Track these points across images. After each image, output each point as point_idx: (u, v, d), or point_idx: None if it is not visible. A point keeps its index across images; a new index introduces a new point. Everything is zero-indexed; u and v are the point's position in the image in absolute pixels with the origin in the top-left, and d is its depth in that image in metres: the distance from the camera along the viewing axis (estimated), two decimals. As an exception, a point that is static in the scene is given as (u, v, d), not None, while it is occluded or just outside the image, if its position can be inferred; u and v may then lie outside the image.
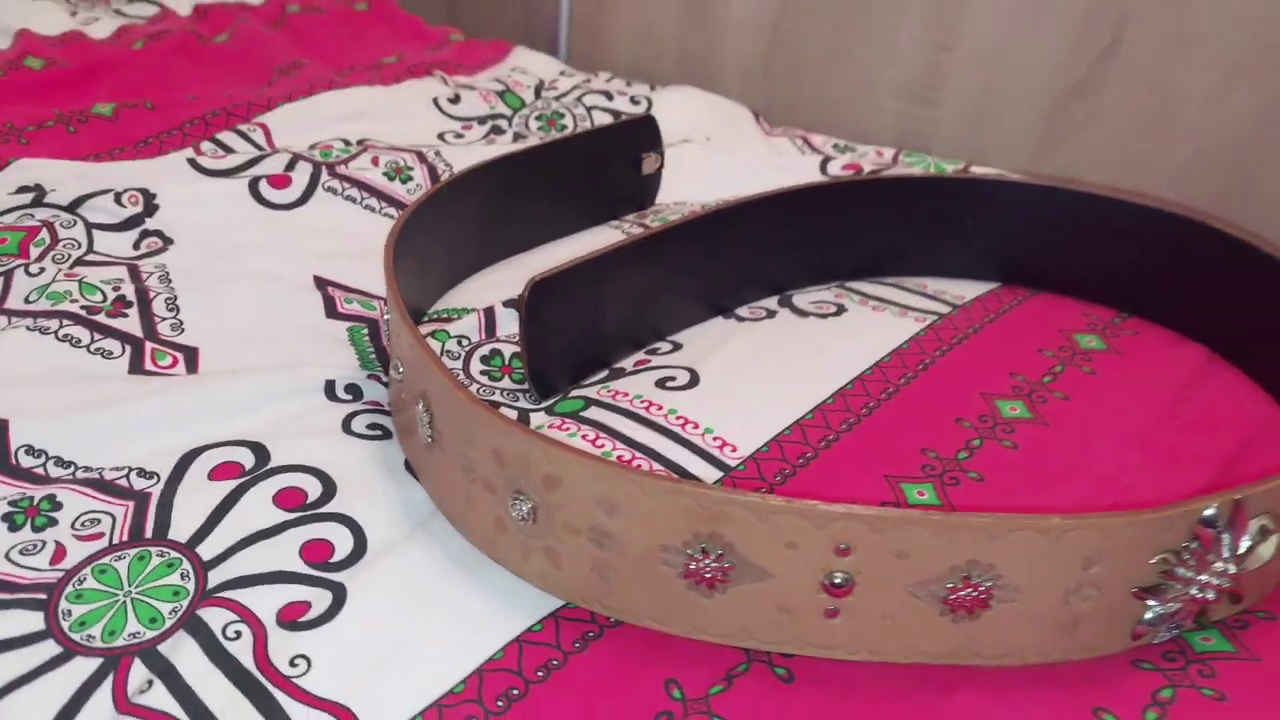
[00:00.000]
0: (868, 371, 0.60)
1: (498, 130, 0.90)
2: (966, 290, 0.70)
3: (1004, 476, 0.53)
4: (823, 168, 0.86)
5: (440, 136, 0.88)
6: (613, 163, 0.76)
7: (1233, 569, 0.43)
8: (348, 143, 0.81)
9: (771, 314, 0.67)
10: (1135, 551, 0.41)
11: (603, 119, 0.94)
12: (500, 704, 0.39)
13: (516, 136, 0.90)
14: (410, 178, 0.77)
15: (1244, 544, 0.43)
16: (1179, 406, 0.59)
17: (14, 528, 0.45)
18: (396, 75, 0.97)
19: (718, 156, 0.86)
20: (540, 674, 0.41)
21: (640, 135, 0.77)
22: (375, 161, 0.77)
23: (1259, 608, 0.46)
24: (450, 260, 0.67)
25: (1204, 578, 0.42)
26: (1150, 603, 0.42)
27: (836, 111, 1.05)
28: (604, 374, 0.60)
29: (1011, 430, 0.56)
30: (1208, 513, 0.41)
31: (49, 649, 0.40)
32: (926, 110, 1.00)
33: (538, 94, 0.96)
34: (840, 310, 0.67)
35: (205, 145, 0.79)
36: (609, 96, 0.96)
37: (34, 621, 0.41)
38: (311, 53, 1.01)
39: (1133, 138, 0.91)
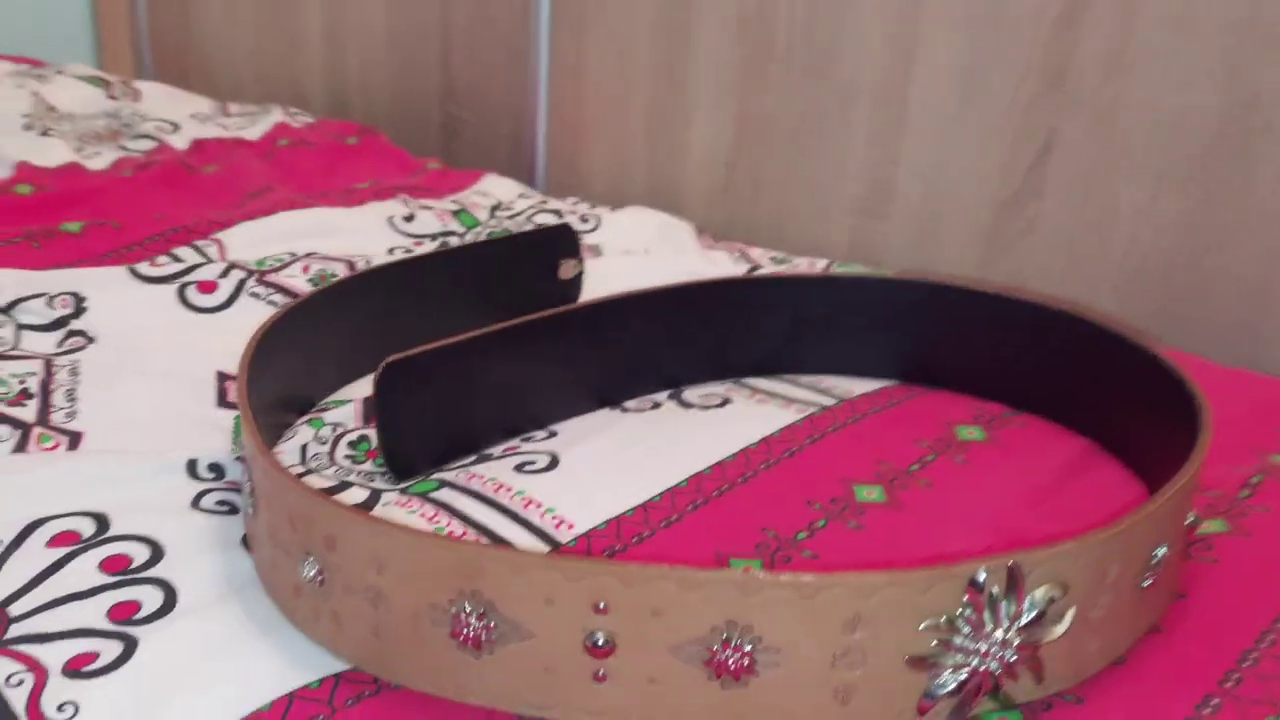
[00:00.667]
0: (730, 457, 0.60)
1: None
2: (864, 387, 0.70)
3: (838, 556, 0.52)
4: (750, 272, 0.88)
5: (390, 251, 0.92)
6: (528, 268, 0.79)
7: (1016, 640, 0.41)
8: (294, 255, 0.86)
9: (657, 405, 0.68)
10: (900, 615, 0.40)
11: (551, 236, 0.97)
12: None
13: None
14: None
15: (1027, 612, 0.41)
16: (1045, 494, 0.58)
17: None
18: (363, 199, 1.02)
19: (650, 266, 0.89)
20: (303, 736, 0.41)
21: (558, 243, 0.80)
22: (306, 269, 0.81)
23: (1070, 691, 0.44)
24: (347, 356, 0.70)
25: (982, 647, 0.41)
26: (930, 674, 0.41)
27: (794, 227, 1.07)
28: (471, 459, 0.61)
29: (861, 513, 0.56)
30: (979, 576, 0.40)
31: None
32: (877, 224, 1.02)
33: (492, 214, 1.00)
34: (725, 402, 0.68)
35: (160, 259, 0.84)
36: (559, 215, 1.00)
37: None
38: (289, 179, 1.08)
39: (1070, 247, 0.92)
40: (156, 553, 0.50)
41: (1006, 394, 0.69)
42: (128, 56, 1.70)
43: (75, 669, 0.43)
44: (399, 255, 0.89)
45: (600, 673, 0.41)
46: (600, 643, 0.41)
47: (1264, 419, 0.67)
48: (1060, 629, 0.42)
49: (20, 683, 0.42)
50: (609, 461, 0.60)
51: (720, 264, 0.92)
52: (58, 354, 0.69)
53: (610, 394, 0.68)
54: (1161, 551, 0.46)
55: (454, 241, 0.95)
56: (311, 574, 0.45)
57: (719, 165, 1.11)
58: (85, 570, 0.49)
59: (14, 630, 0.45)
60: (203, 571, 0.49)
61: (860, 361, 0.72)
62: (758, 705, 0.41)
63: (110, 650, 0.44)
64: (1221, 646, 0.46)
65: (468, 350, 0.60)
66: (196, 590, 0.48)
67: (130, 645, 0.44)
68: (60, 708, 0.41)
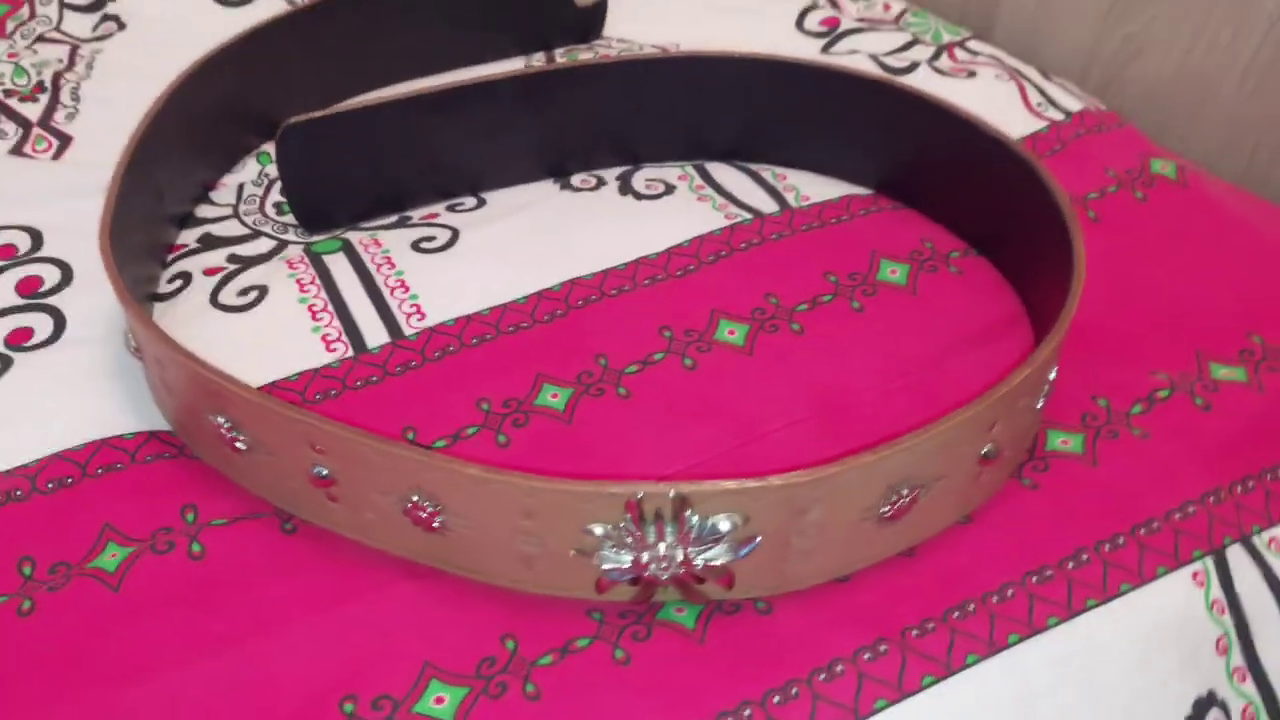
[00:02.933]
0: (621, 266, 0.60)
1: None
2: (827, 191, 0.65)
3: (649, 396, 0.53)
4: (800, 20, 0.80)
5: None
6: (538, -5, 0.75)
7: (682, 555, 0.43)
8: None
9: (600, 184, 0.66)
10: (563, 516, 0.42)
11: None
12: (50, 486, 0.48)
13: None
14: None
15: (696, 534, 0.42)
16: (906, 368, 0.55)
17: None
18: None
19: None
20: (99, 471, 0.49)
21: (578, -35, 0.75)
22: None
23: (764, 599, 0.45)
24: (332, 79, 0.71)
25: (644, 556, 0.43)
26: (597, 563, 0.43)
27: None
28: (393, 219, 0.64)
29: (707, 350, 0.55)
30: (637, 496, 0.41)
31: None
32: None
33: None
34: (667, 191, 0.65)
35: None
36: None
37: None
38: None
39: (1207, 11, 0.76)
40: (66, 278, 0.58)
41: (976, 228, 0.62)
42: None
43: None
44: None
45: (332, 495, 0.46)
46: (323, 474, 0.45)
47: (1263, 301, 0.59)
48: (736, 554, 0.43)
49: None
50: (504, 250, 0.61)
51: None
52: (86, 40, 0.75)
53: (561, 163, 0.67)
54: (904, 490, 0.44)
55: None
56: (132, 346, 0.51)
57: None
58: (4, 288, 0.57)
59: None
60: (97, 309, 0.57)
61: (844, 162, 0.67)
62: (456, 550, 0.45)
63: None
64: (945, 588, 0.45)
65: (382, 113, 0.61)
66: (83, 326, 0.56)
67: (5, 366, 0.53)
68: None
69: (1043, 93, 0.73)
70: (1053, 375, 0.50)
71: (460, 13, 0.74)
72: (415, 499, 0.44)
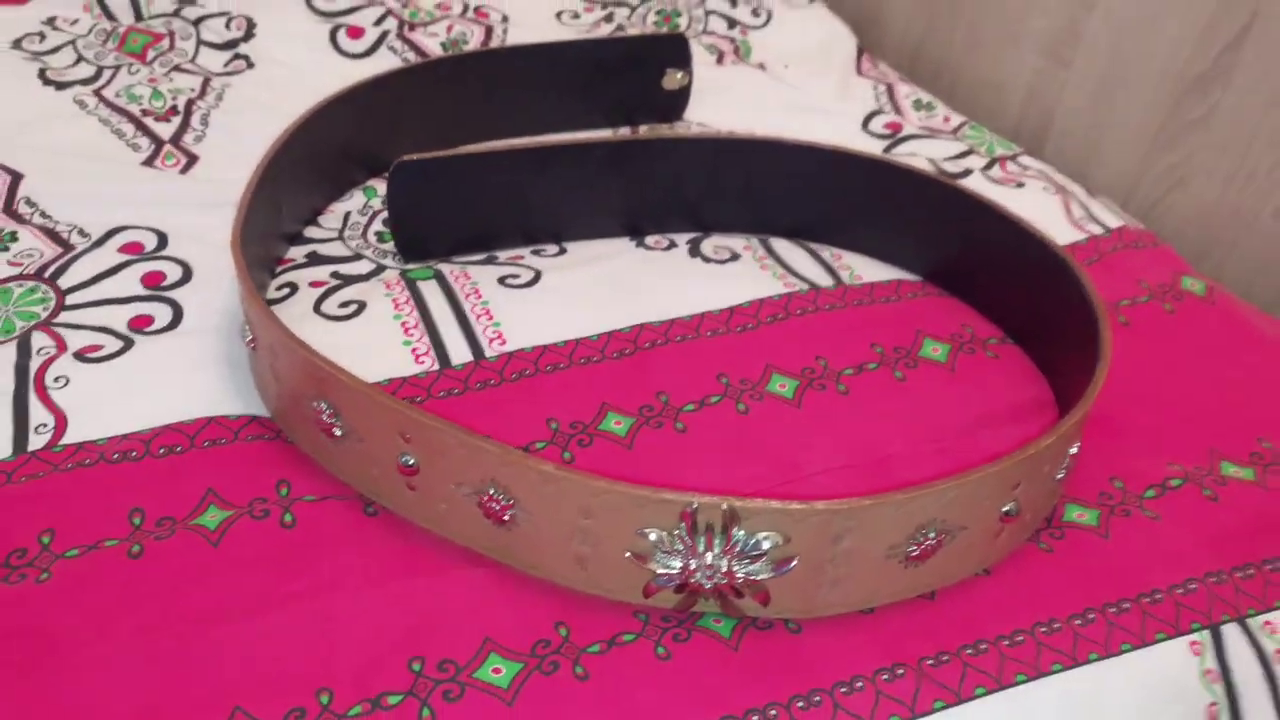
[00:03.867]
0: (686, 316, 0.65)
1: (609, 19, 0.98)
2: (879, 273, 0.71)
3: (703, 433, 0.58)
4: (866, 122, 0.87)
5: (558, 15, 0.97)
6: (632, 73, 0.83)
7: (728, 566, 0.47)
8: (466, 6, 0.93)
9: (672, 245, 0.72)
10: (620, 519, 0.47)
11: (716, 24, 0.98)
12: (161, 451, 0.54)
13: (619, 27, 0.97)
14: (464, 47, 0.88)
15: (741, 548, 0.47)
16: (940, 435, 0.59)
17: (-22, 249, 0.65)
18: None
19: (770, 88, 0.89)
20: (206, 443, 0.55)
21: (668, 51, 0.83)
22: (449, 29, 0.89)
23: (796, 620, 0.49)
24: (435, 129, 0.78)
25: (693, 564, 0.47)
26: (651, 566, 0.48)
27: (983, 54, 1.01)
28: (482, 256, 0.70)
29: (759, 399, 0.60)
30: (692, 506, 0.46)
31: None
32: (1058, 70, 0.94)
33: (678, -11, 1.01)
34: (733, 258, 0.71)
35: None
36: (733, 3, 1.00)
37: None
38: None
39: (1243, 152, 0.82)
40: (186, 276, 0.64)
41: (1014, 319, 0.68)
42: None
43: (81, 354, 0.58)
44: (567, 23, 0.94)
45: (411, 484, 0.51)
46: (409, 463, 0.51)
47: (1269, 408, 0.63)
48: (776, 572, 0.47)
49: (44, 353, 0.58)
50: (581, 293, 0.67)
51: (853, 97, 0.91)
52: (217, 74, 0.83)
53: (638, 223, 0.73)
54: (931, 533, 0.49)
55: (619, 14, 0.99)
56: (248, 338, 0.57)
57: (926, -26, 1.05)
58: (131, 279, 0.64)
59: (61, 316, 0.61)
60: (211, 305, 0.63)
61: (897, 249, 0.72)
62: (518, 544, 0.50)
63: (111, 346, 0.59)
64: (961, 627, 0.49)
65: (485, 161, 0.67)
66: (198, 318, 0.62)
67: (127, 345, 0.59)
68: (56, 379, 0.56)
69: (1085, 208, 0.79)
70: (1074, 450, 0.54)
71: (562, 83, 0.81)
72: (491, 491, 0.49)
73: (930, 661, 0.48)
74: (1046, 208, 0.78)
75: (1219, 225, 0.85)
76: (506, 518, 0.49)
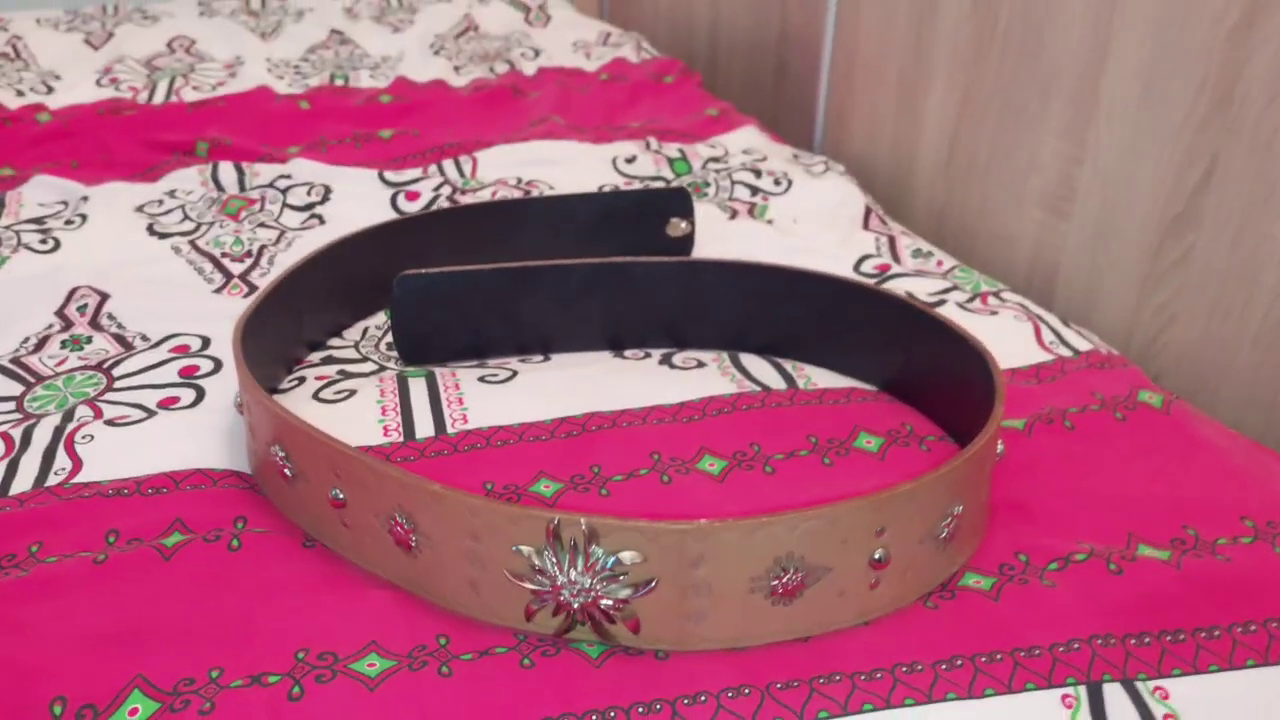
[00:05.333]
0: (636, 408, 0.71)
1: (645, 189, 1.09)
2: (835, 382, 0.76)
3: (625, 498, 0.63)
4: (856, 265, 0.93)
5: (599, 187, 1.09)
6: (639, 222, 0.92)
7: (592, 585, 0.52)
8: (519, 180, 1.07)
9: (646, 356, 0.79)
10: (499, 537, 0.52)
11: (741, 192, 1.08)
12: (149, 491, 0.63)
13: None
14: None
15: (601, 565, 0.51)
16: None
17: (60, 347, 0.78)
18: (615, 137, 1.20)
19: (773, 237, 0.97)
20: (188, 487, 0.63)
21: (669, 202, 0.92)
22: (494, 194, 1.02)
23: (670, 652, 0.53)
24: (448, 263, 0.88)
25: (560, 580, 0.52)
26: (528, 586, 0.53)
27: (996, 210, 1.07)
28: (473, 363, 0.79)
29: (685, 473, 0.65)
30: (553, 521, 0.51)
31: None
32: (1060, 223, 0.99)
33: (704, 164, 1.12)
34: (698, 366, 0.78)
35: (410, 170, 1.09)
36: (757, 174, 1.10)
37: (12, 389, 0.73)
38: (577, 111, 1.28)
39: (1219, 288, 0.84)
40: (216, 368, 0.75)
41: (956, 421, 0.71)
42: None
43: (111, 421, 0.69)
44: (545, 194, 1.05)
45: (345, 520, 0.58)
46: (339, 497, 0.58)
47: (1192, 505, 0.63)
48: (636, 593, 0.51)
49: (81, 419, 0.69)
50: (550, 389, 0.74)
51: (853, 246, 0.97)
52: (293, 229, 0.97)
53: (620, 338, 0.81)
54: (791, 568, 0.52)
55: (657, 185, 1.10)
56: (239, 402, 0.67)
57: (944, 140, 1.12)
58: (171, 371, 0.75)
59: (106, 395, 0.72)
60: (230, 392, 0.73)
61: (858, 364, 0.77)
62: (424, 573, 0.56)
63: (137, 416, 0.69)
64: (819, 661, 0.51)
65: (478, 277, 0.77)
66: (217, 400, 0.72)
67: (150, 416, 0.70)
68: (84, 436, 0.67)
69: (1057, 334, 0.82)
70: (958, 509, 0.57)
71: (574, 229, 0.91)
72: (397, 516, 0.55)
73: (779, 685, 0.50)
74: (1017, 331, 0.82)
75: (1207, 360, 0.86)
76: (413, 542, 0.55)
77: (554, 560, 0.52)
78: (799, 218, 1.02)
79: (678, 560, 0.51)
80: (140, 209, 1.00)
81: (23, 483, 0.63)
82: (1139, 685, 0.53)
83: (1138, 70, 0.88)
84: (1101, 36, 0.91)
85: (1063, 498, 0.64)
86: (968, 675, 0.52)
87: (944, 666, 0.52)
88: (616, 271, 0.80)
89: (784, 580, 0.52)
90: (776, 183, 1.09)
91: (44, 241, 0.93)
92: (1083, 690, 0.52)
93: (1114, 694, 0.52)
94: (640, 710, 0.49)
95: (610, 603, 0.52)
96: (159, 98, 1.28)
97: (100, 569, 0.56)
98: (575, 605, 0.52)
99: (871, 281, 0.91)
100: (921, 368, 0.74)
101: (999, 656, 0.53)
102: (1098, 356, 0.80)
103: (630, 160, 1.13)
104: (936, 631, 0.54)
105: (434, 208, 1.00)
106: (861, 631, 0.54)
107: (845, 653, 0.53)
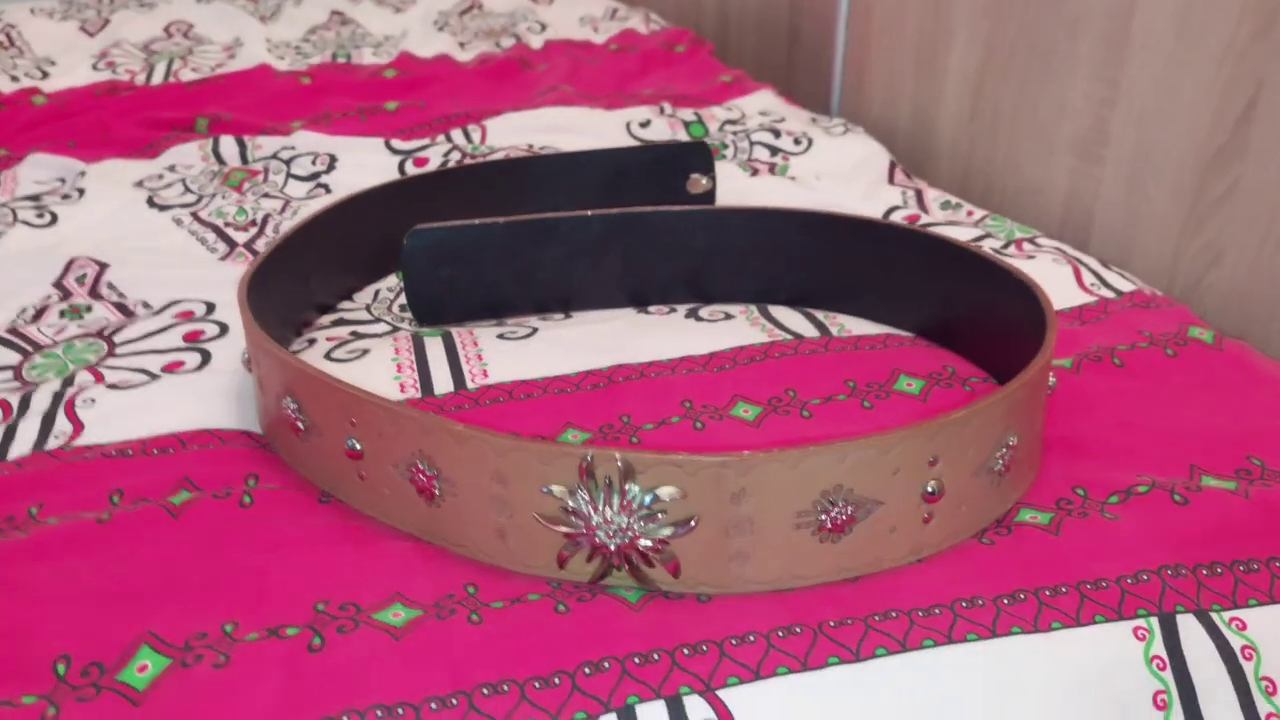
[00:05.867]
0: (665, 360, 0.68)
1: (660, 152, 1.06)
2: (869, 330, 0.72)
3: (655, 445, 0.59)
4: (885, 217, 0.90)
5: (615, 152, 1.06)
6: (657, 177, 0.89)
7: (629, 524, 0.48)
8: (530, 147, 1.03)
9: (671, 311, 0.76)
10: (528, 477, 0.49)
11: (760, 152, 1.04)
12: (155, 451, 0.60)
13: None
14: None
15: (638, 503, 0.48)
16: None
17: (59, 316, 0.75)
18: (626, 103, 1.16)
19: (796, 192, 0.93)
20: (195, 447, 0.60)
21: (689, 158, 0.89)
22: (506, 156, 0.98)
23: (709, 594, 0.49)
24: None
25: (595, 521, 0.48)
26: (560, 529, 0.49)
27: (1025, 161, 1.03)
28: (492, 321, 0.75)
29: (719, 419, 0.62)
30: (587, 458, 0.48)
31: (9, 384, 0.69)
32: (1092, 168, 0.95)
33: (722, 127, 1.09)
34: (725, 318, 0.74)
35: (417, 138, 1.06)
36: (776, 134, 1.06)
37: (10, 358, 0.70)
38: (587, 80, 1.25)
39: (1270, 220, 0.80)
40: (222, 332, 0.72)
41: (1000, 362, 0.67)
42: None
43: (113, 385, 0.66)
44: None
45: (361, 472, 0.55)
46: (355, 447, 0.54)
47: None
48: (676, 532, 0.48)
49: (82, 384, 0.66)
50: (572, 344, 0.71)
51: (880, 199, 0.94)
52: (298, 198, 0.94)
53: (643, 294, 0.78)
54: (839, 501, 0.48)
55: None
56: (245, 358, 0.63)
57: (968, 94, 1.09)
58: (175, 336, 0.72)
59: (108, 361, 0.69)
60: (236, 354, 0.70)
61: (893, 312, 0.74)
62: (447, 523, 0.52)
63: (140, 380, 0.66)
64: (873, 597, 0.48)
65: (492, 231, 0.74)
66: (222, 363, 0.69)
67: (153, 379, 0.66)
68: (84, 400, 0.64)
69: (1098, 276, 0.79)
70: (1013, 440, 0.53)
71: (588, 186, 0.88)
72: (418, 463, 0.52)
73: (832, 624, 0.47)
74: (1057, 274, 0.78)
75: (1257, 298, 0.82)
76: (436, 491, 0.52)
77: (587, 499, 0.48)
78: (821, 175, 0.99)
79: (718, 495, 0.48)
80: (139, 184, 0.97)
81: (21, 447, 0.60)
82: (1214, 616, 0.49)
83: (1174, 3, 0.85)
84: (1132, -30, 0.88)
85: (1118, 432, 0.61)
86: (1032, 609, 0.48)
87: (1006, 601, 0.49)
88: (637, 222, 0.76)
89: (832, 515, 0.49)
90: (796, 142, 1.05)
91: (40, 216, 0.90)
92: (1155, 622, 0.48)
93: (1188, 625, 0.49)
94: (685, 652, 0.46)
95: (649, 543, 0.49)
96: (157, 79, 1.25)
97: (104, 528, 0.53)
98: (611, 547, 0.49)
99: (901, 231, 0.88)
100: (961, 310, 0.70)
101: (1064, 589, 0.49)
102: (1142, 296, 0.76)
103: (645, 124, 1.09)
104: (995, 566, 0.51)
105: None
106: (915, 569, 0.51)
107: (899, 590, 0.49)
